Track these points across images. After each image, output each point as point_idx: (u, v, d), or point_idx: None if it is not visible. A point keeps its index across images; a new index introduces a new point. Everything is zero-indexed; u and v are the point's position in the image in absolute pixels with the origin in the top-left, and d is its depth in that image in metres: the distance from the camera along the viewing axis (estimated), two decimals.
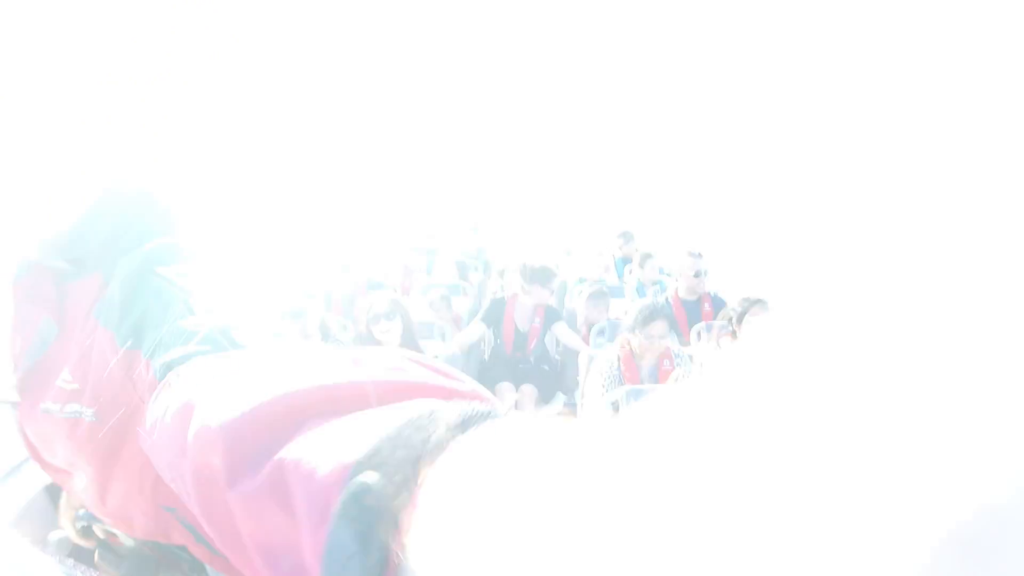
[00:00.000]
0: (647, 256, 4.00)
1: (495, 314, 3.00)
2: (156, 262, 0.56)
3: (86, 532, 0.91)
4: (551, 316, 3.02)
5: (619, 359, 2.27)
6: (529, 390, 2.71)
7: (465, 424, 0.18)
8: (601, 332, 2.80)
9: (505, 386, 2.70)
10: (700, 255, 3.24)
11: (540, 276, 2.93)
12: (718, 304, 3.21)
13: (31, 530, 1.02)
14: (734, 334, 2.46)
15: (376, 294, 2.38)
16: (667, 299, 3.24)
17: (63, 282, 0.63)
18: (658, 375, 2.26)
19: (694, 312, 3.15)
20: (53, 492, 1.09)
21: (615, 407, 1.87)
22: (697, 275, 3.17)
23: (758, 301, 2.45)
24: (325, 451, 0.19)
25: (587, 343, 2.83)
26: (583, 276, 4.04)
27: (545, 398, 2.84)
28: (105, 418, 0.57)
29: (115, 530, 0.77)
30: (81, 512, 0.85)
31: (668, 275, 4.44)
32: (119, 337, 0.54)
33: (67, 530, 0.93)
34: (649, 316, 2.25)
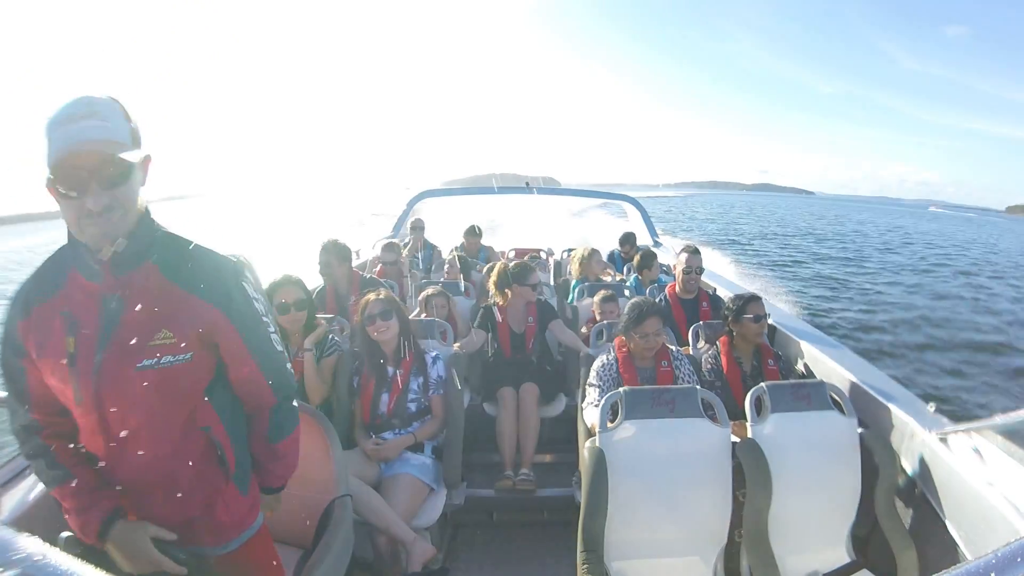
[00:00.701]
0: (648, 256, 3.99)
1: (489, 320, 3.00)
2: (240, 276, 1.02)
3: (67, 543, 0.97)
4: (546, 314, 3.01)
5: (617, 361, 2.29)
6: (530, 388, 2.70)
7: None
8: (600, 333, 2.79)
9: (507, 391, 2.69)
10: (696, 252, 3.23)
11: (518, 275, 2.96)
12: (716, 303, 3.20)
13: (39, 530, 1.03)
14: (730, 333, 2.47)
15: (371, 294, 2.34)
16: (664, 297, 3.23)
17: (121, 271, 0.92)
18: (656, 376, 2.27)
19: (692, 310, 3.15)
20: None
21: (614, 409, 1.87)
22: (688, 271, 3.16)
23: (753, 297, 2.46)
24: None
25: (588, 344, 2.82)
26: (585, 276, 4.03)
27: (547, 398, 2.83)
28: (199, 361, 0.98)
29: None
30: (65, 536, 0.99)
31: (669, 275, 4.44)
32: (229, 314, 0.98)
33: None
34: (641, 314, 2.24)
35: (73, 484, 0.98)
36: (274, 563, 1.22)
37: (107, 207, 0.86)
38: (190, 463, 1.02)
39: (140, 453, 0.97)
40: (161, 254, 0.95)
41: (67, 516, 1.00)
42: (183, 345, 0.94)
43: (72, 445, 1.01)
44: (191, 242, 0.99)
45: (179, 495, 1.02)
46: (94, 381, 0.92)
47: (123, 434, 0.95)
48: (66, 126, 0.83)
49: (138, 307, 0.92)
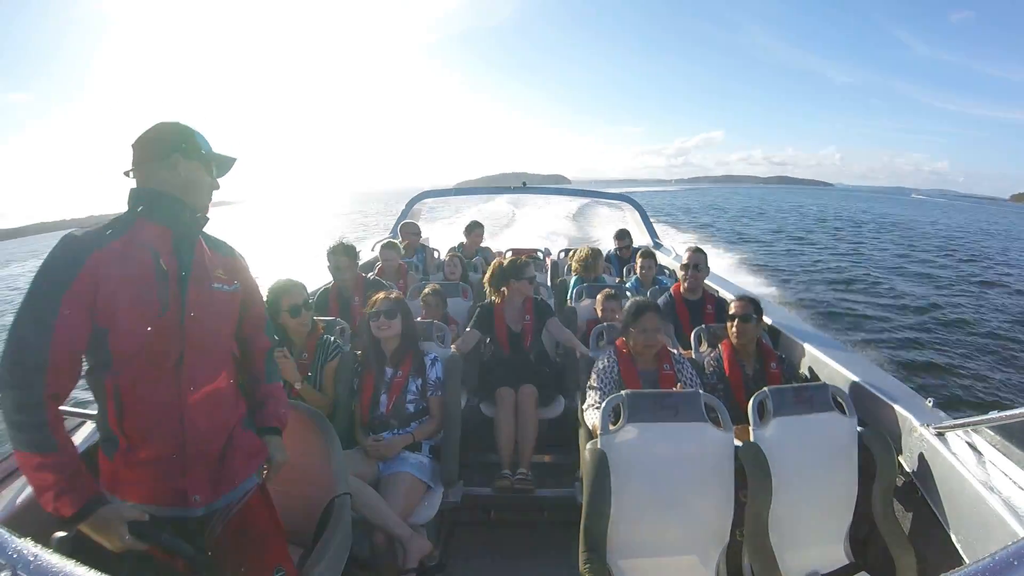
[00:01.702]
0: (646, 256, 3.97)
1: (486, 319, 2.98)
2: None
3: (60, 544, 0.97)
4: (542, 312, 3.00)
5: (618, 363, 2.28)
6: (529, 391, 2.69)
7: None
8: (600, 335, 2.78)
9: (505, 391, 2.68)
10: (699, 251, 3.22)
11: (515, 270, 2.96)
12: (721, 306, 3.18)
13: (31, 530, 1.03)
14: (729, 332, 2.48)
15: (381, 293, 2.37)
16: (669, 294, 3.21)
17: (195, 228, 1.22)
18: (658, 378, 2.26)
19: (696, 312, 3.12)
20: None
21: (616, 411, 1.86)
22: (686, 267, 3.13)
23: (739, 298, 2.49)
24: None
25: (587, 345, 2.80)
26: (582, 276, 4.01)
27: (545, 400, 2.82)
28: (243, 291, 1.31)
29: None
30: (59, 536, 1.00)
31: (668, 275, 4.43)
32: (246, 265, 1.35)
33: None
34: (639, 310, 2.25)
35: (57, 457, 0.99)
36: (277, 526, 1.37)
37: None
38: (230, 380, 1.29)
39: (204, 362, 1.19)
40: (203, 235, 1.27)
41: (40, 491, 0.98)
42: (231, 280, 1.28)
43: (58, 415, 1.02)
44: (208, 234, 1.31)
45: (221, 414, 1.24)
46: (184, 293, 1.15)
47: (197, 339, 1.17)
48: (209, 143, 1.24)
49: (202, 249, 1.23)
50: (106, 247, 1.08)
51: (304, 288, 2.31)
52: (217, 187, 1.27)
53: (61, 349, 1.00)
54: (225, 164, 1.29)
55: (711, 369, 2.45)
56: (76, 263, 1.03)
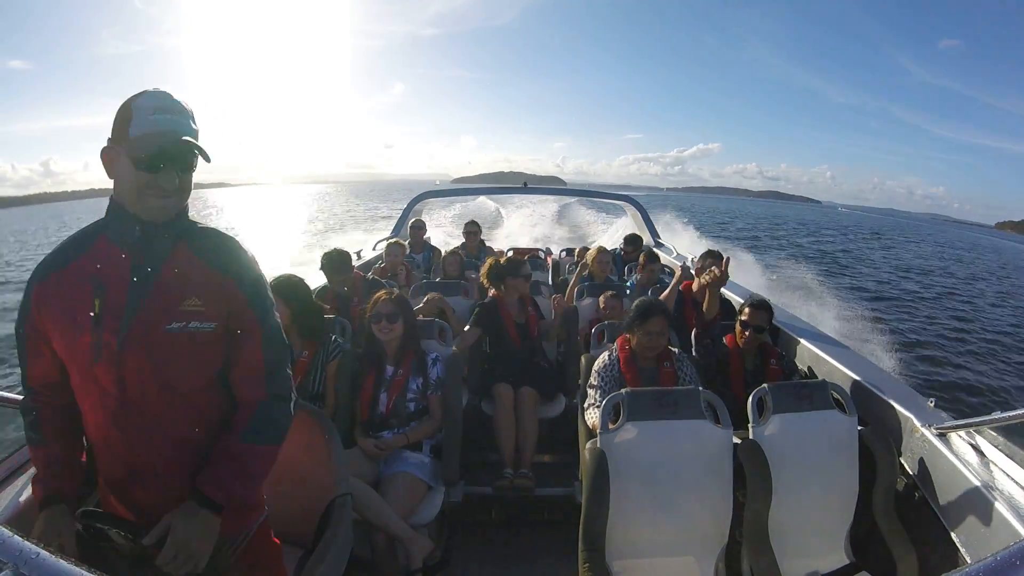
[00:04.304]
0: (652, 259, 3.97)
1: (489, 315, 2.99)
2: (258, 266, 1.10)
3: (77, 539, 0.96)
4: (538, 310, 3.09)
5: (619, 360, 2.28)
6: (528, 392, 2.68)
7: None
8: (602, 334, 2.78)
9: (503, 388, 2.68)
10: (719, 256, 3.22)
11: (511, 268, 3.04)
12: (727, 308, 3.18)
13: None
14: (736, 333, 2.47)
15: (382, 293, 2.37)
16: (679, 290, 3.22)
17: (158, 244, 0.99)
18: (659, 376, 2.26)
19: (701, 312, 3.12)
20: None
21: (616, 410, 1.86)
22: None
23: (761, 304, 2.47)
24: None
25: (588, 345, 2.81)
26: (588, 276, 4.02)
27: (546, 398, 2.82)
28: (220, 335, 1.03)
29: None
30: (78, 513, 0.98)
31: (667, 273, 4.43)
32: (248, 296, 1.05)
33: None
34: (646, 312, 2.23)
35: (44, 450, 1.08)
36: (278, 564, 1.31)
37: (177, 188, 0.97)
38: (205, 434, 1.05)
39: (153, 418, 1.00)
40: (192, 238, 1.03)
41: (32, 480, 1.10)
42: (209, 314, 1.01)
43: (57, 416, 1.08)
44: (218, 231, 1.08)
45: (190, 470, 1.02)
46: (120, 338, 0.95)
47: (140, 394, 0.98)
48: (166, 115, 0.94)
49: (173, 271, 0.99)
50: (47, 280, 0.99)
51: (303, 284, 2.31)
52: (171, 185, 0.96)
53: (37, 374, 1.06)
54: (176, 155, 0.96)
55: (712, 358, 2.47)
56: (28, 295, 1.01)
